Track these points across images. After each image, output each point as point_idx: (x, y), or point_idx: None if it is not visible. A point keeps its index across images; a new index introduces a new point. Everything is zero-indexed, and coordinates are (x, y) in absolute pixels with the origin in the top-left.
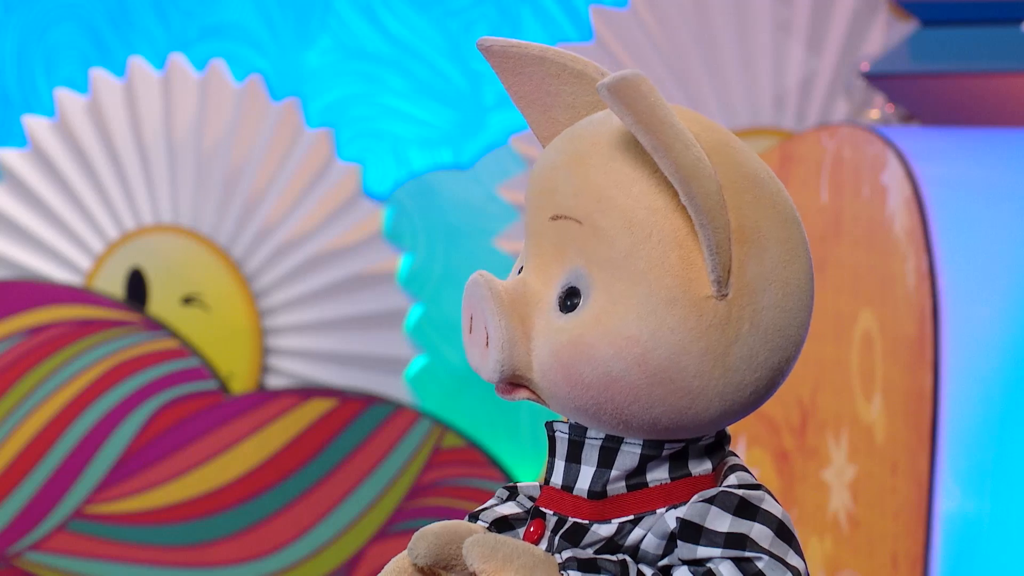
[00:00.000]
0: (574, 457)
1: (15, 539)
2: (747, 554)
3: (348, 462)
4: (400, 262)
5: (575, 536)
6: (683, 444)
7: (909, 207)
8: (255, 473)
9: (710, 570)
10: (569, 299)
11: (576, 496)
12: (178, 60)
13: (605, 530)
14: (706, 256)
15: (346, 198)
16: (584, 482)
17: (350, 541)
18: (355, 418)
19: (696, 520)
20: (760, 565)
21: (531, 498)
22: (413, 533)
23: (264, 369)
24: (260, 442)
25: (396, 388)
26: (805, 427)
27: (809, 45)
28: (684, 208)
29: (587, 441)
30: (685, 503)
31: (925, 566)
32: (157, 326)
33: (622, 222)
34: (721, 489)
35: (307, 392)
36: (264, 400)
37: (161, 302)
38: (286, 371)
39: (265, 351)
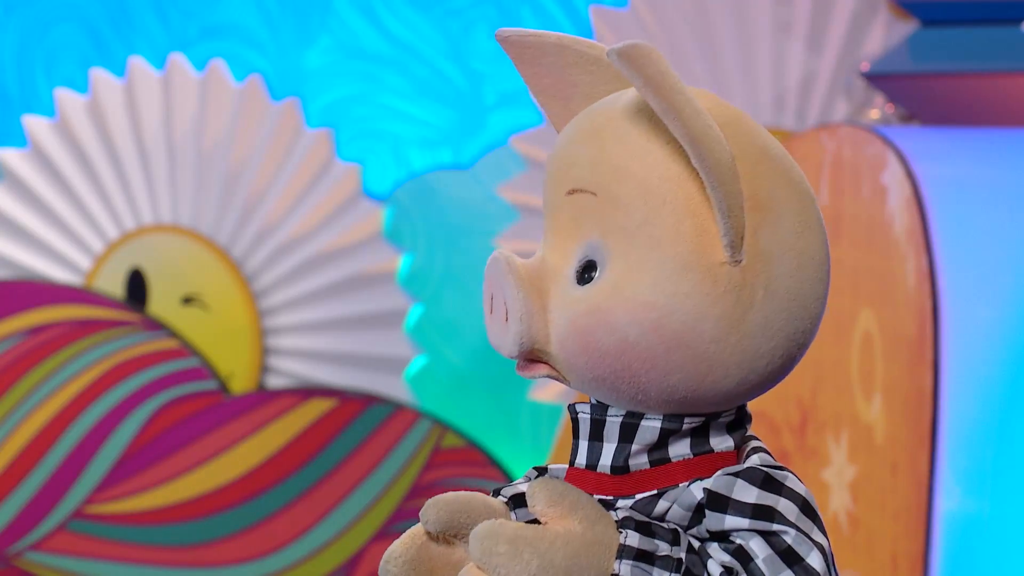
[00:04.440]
0: (596, 436)
1: (15, 539)
2: (775, 527)
3: (348, 462)
4: (400, 262)
5: None
6: (704, 419)
7: (909, 207)
8: (255, 473)
9: (740, 546)
10: (586, 272)
11: (599, 473)
12: (178, 60)
13: (624, 503)
14: (719, 220)
15: (346, 198)
16: (606, 458)
17: (350, 541)
18: (355, 418)
19: (723, 491)
20: (788, 540)
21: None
22: None
23: (264, 369)
24: (260, 442)
25: (396, 388)
26: (805, 427)
27: (809, 45)
28: (698, 176)
29: (608, 419)
30: (708, 478)
31: (925, 566)
32: (157, 326)
33: (637, 190)
34: (746, 465)
35: (307, 392)
36: (264, 400)
37: (161, 302)
38: (286, 371)
39: (265, 351)
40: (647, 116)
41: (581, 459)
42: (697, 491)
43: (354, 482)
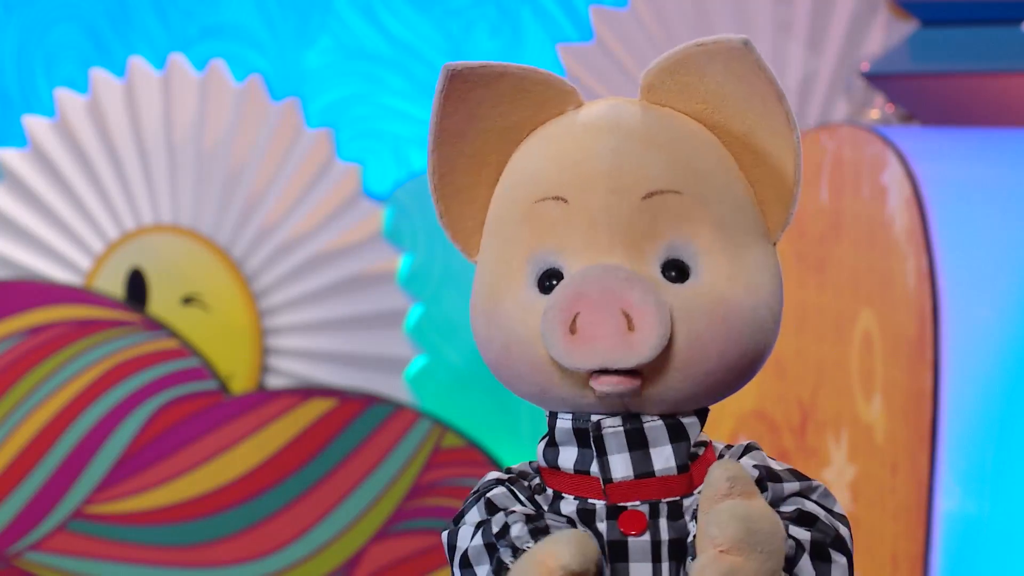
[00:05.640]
0: (638, 445)
1: (15, 539)
2: (811, 485)
3: (348, 462)
4: (400, 262)
5: (675, 515)
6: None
7: (909, 207)
8: (255, 473)
9: (799, 510)
10: (673, 270)
11: (662, 478)
12: (178, 60)
13: (691, 501)
14: (792, 204)
15: (346, 198)
16: (667, 461)
17: (350, 541)
18: (355, 418)
19: (768, 465)
20: (820, 492)
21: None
22: (413, 533)
23: (264, 369)
24: (260, 442)
25: (396, 388)
26: (805, 427)
27: (809, 45)
28: (738, 169)
29: (646, 425)
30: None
31: (925, 566)
32: (157, 326)
33: (715, 185)
34: (748, 442)
35: (307, 392)
36: (264, 400)
37: (161, 302)
38: (286, 371)
39: (265, 351)
40: (680, 122)
41: (623, 471)
42: (751, 471)
43: (354, 482)
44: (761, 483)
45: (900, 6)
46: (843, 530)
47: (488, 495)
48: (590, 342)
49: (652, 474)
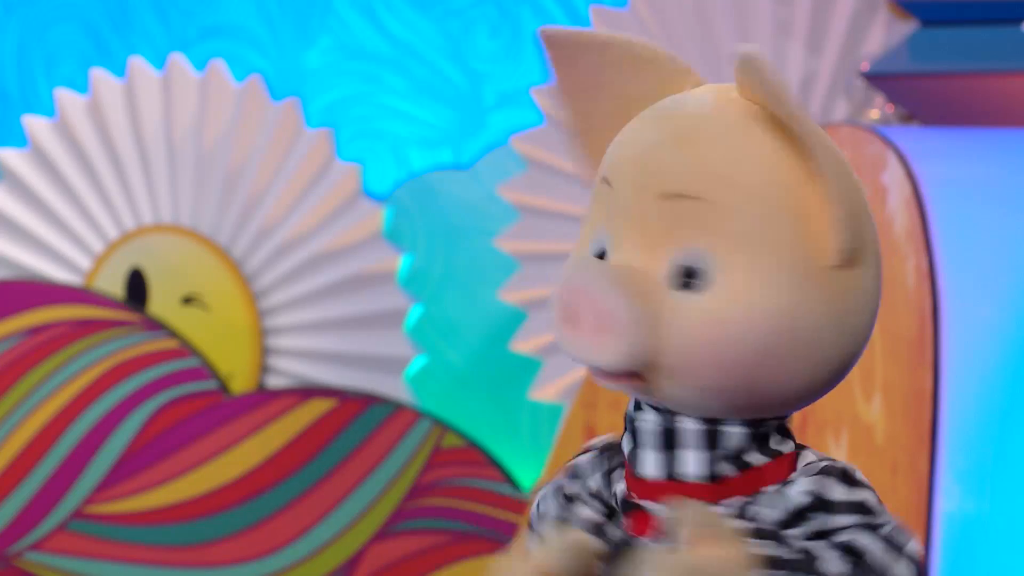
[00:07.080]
0: (668, 445)
1: (15, 539)
2: (877, 520)
3: (348, 462)
4: (400, 262)
5: None
6: (777, 421)
7: (909, 207)
8: (255, 473)
9: (848, 543)
10: (686, 278)
11: (684, 483)
12: (178, 60)
13: (721, 511)
14: (835, 225)
15: (346, 198)
16: (691, 467)
17: (350, 541)
18: (355, 418)
19: (823, 493)
20: (889, 528)
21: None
22: (413, 533)
23: (264, 369)
24: (260, 442)
25: (396, 388)
26: (805, 427)
27: (809, 45)
28: (803, 182)
29: (680, 427)
30: (787, 480)
31: (925, 566)
32: (157, 326)
33: (747, 196)
34: (825, 463)
35: (307, 392)
36: (264, 400)
37: (161, 302)
38: (286, 371)
39: (265, 351)
40: (744, 121)
41: (650, 470)
42: (795, 495)
43: (354, 482)
44: (803, 512)
45: (900, 6)
46: (898, 570)
47: (575, 460)
48: (575, 334)
49: (682, 477)
